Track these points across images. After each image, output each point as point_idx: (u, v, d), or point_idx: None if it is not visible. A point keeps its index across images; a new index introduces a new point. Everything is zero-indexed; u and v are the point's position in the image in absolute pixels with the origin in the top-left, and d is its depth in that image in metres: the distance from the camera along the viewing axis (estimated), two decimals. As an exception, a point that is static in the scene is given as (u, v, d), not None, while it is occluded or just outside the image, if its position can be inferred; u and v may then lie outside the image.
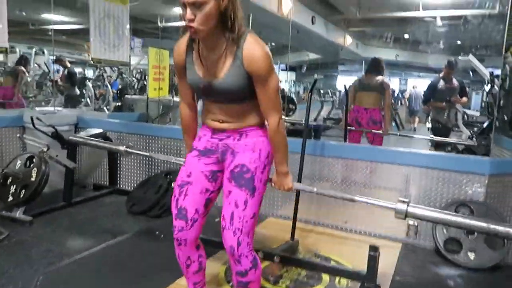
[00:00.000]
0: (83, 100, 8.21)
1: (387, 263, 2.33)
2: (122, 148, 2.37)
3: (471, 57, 6.53)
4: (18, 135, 3.08)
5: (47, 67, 8.91)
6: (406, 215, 1.56)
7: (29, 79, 8.13)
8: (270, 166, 1.56)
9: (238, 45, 1.35)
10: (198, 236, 1.59)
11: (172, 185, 3.22)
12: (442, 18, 8.02)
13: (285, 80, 20.08)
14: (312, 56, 16.43)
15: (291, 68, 20.18)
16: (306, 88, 18.24)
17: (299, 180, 2.39)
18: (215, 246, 2.19)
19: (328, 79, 18.18)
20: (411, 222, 2.68)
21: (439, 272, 2.30)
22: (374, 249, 1.85)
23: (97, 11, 4.28)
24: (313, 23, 8.65)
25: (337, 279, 2.09)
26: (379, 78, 3.93)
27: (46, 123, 3.10)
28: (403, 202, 1.57)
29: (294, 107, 7.27)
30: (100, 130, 3.46)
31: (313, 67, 18.72)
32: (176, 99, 5.45)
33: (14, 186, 2.89)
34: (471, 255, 2.36)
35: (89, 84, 8.41)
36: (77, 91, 7.21)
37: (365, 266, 2.01)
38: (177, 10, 8.40)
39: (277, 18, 7.12)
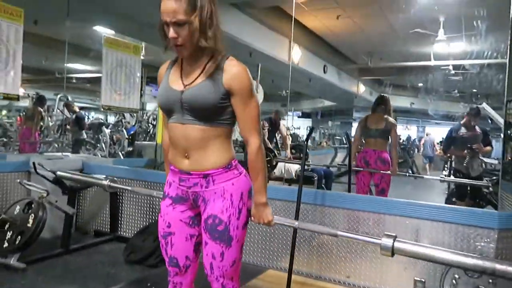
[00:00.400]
0: (98, 144, 8.41)
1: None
2: (106, 182, 2.34)
3: (484, 105, 6.44)
4: (18, 181, 3.10)
5: (69, 112, 9.23)
6: (393, 251, 1.43)
7: (50, 124, 8.44)
8: (247, 205, 1.47)
9: (219, 64, 1.36)
10: (193, 280, 1.55)
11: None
12: (454, 67, 8.05)
13: (298, 127, 20.30)
14: (327, 103, 16.63)
15: (306, 115, 20.44)
16: (322, 134, 18.32)
17: (295, 230, 2.29)
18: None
19: (344, 126, 18.27)
20: (417, 278, 2.50)
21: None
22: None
23: (110, 61, 4.45)
24: (325, 71, 8.80)
25: None
26: (384, 119, 3.89)
27: (48, 168, 3.12)
28: (389, 236, 1.43)
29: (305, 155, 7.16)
30: (103, 177, 3.46)
31: (328, 113, 18.91)
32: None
33: (11, 232, 2.86)
34: (483, 318, 2.16)
35: (105, 130, 8.63)
36: (84, 135, 7.43)
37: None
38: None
39: (288, 66, 7.27)
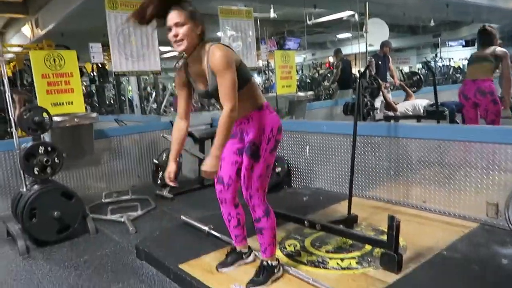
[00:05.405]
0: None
1: (443, 239, 2.34)
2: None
3: None
4: (162, 135, 4.17)
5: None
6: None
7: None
8: (276, 137, 1.94)
9: (208, 56, 1.81)
10: (234, 197, 2.09)
11: (276, 169, 3.78)
12: None
13: (464, 58, 17.98)
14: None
15: (472, 43, 17.94)
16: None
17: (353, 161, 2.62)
18: (288, 219, 2.66)
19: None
20: (489, 200, 2.53)
21: (499, 251, 2.17)
22: (391, 219, 1.99)
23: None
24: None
25: (376, 248, 2.27)
26: (491, 48, 3.59)
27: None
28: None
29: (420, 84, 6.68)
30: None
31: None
32: (300, 93, 5.95)
33: (161, 172, 3.96)
34: (546, 236, 2.14)
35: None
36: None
37: (423, 242, 2.28)
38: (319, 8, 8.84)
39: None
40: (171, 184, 2.03)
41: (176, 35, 1.78)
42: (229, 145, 2.04)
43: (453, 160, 2.70)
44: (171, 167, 2.02)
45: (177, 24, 1.77)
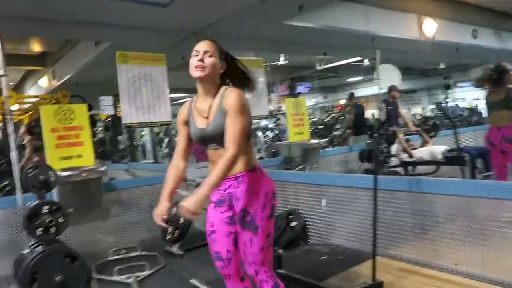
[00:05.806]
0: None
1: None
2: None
3: None
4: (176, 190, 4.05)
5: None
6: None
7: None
8: (271, 203, 1.78)
9: (223, 96, 1.73)
10: (238, 270, 1.88)
11: (291, 224, 3.61)
12: None
13: (476, 98, 17.78)
14: (501, 66, 14.26)
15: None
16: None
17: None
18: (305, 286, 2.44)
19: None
20: (529, 265, 2.29)
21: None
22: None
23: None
24: (475, 37, 7.78)
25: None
26: (505, 89, 3.46)
27: (191, 176, 3.96)
28: None
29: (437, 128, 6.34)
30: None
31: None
32: (313, 140, 5.81)
33: (171, 227, 3.78)
34: None
35: (258, 133, 9.64)
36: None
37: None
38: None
39: (421, 42, 6.80)
40: (161, 224, 1.78)
41: (201, 60, 1.72)
42: (217, 214, 1.85)
43: (485, 218, 2.48)
44: (162, 206, 1.78)
45: (205, 52, 1.73)
